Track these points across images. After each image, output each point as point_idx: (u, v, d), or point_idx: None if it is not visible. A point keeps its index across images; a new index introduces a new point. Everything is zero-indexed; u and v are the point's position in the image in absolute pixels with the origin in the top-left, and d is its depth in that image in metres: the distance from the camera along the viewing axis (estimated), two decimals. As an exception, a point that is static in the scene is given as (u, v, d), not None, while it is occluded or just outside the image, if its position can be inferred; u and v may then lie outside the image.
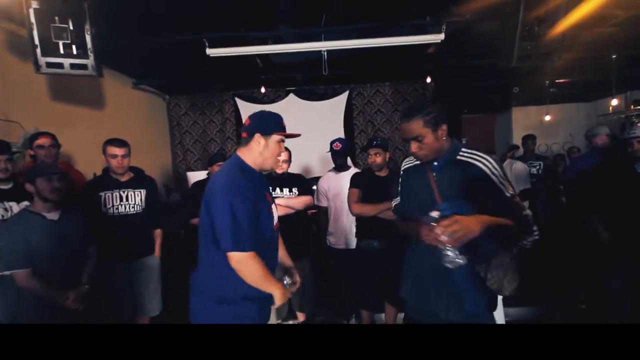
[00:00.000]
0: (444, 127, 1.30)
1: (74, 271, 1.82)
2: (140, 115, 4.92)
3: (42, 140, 2.26)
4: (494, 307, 1.39)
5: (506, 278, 1.30)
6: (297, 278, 1.56)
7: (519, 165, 3.76)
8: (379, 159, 2.30)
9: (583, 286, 2.88)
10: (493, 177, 1.25)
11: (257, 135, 1.38)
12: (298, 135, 1.48)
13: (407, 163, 1.53)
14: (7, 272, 1.65)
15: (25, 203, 1.92)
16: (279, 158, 1.49)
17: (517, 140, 6.34)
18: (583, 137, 6.03)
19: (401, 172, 1.55)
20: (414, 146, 1.31)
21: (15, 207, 1.94)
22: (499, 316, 2.15)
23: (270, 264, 1.45)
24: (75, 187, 2.36)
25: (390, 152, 2.52)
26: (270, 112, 1.45)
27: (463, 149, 1.33)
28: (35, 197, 1.75)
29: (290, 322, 2.68)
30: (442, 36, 3.12)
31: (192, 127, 5.64)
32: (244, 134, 1.43)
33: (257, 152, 1.40)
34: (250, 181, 1.35)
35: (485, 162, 1.27)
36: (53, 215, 1.79)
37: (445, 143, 1.33)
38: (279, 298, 1.38)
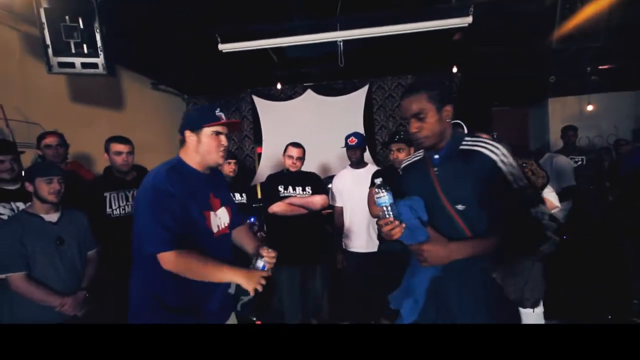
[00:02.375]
0: (449, 108, 1.15)
1: (73, 276, 1.74)
2: (160, 116, 4.94)
3: (49, 140, 2.24)
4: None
5: (527, 286, 1.10)
6: (270, 253, 1.31)
7: (562, 160, 3.18)
8: (402, 155, 2.11)
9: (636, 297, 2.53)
10: (502, 165, 1.07)
11: (187, 133, 1.31)
12: (235, 122, 1.39)
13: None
14: (1, 275, 1.59)
15: None
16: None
17: (554, 134, 5.86)
18: (628, 129, 5.53)
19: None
20: (414, 125, 1.15)
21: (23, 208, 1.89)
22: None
23: None
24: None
25: (414, 148, 2.31)
26: (201, 106, 1.41)
27: (467, 137, 1.17)
28: (34, 197, 1.70)
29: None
30: (469, 19, 2.84)
31: (211, 127, 5.64)
32: (178, 137, 1.37)
33: (192, 151, 1.31)
34: (179, 180, 1.24)
35: (493, 149, 1.09)
36: (51, 217, 1.72)
37: (448, 128, 1.17)
38: (244, 283, 1.20)
